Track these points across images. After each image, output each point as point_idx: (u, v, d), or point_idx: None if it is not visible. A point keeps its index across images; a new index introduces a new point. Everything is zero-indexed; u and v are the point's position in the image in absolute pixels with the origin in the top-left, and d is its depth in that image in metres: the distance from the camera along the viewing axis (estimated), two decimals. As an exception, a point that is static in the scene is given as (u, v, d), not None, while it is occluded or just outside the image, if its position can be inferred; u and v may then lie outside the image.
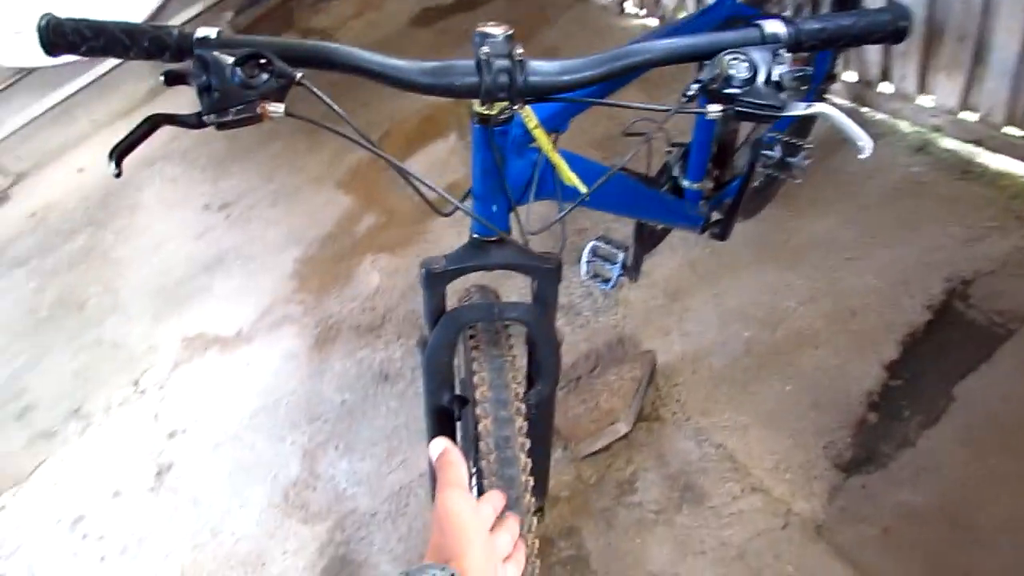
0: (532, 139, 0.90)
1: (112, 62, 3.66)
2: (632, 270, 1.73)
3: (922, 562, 1.45)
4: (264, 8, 3.84)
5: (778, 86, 0.70)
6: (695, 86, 0.71)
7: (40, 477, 2.17)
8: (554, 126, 0.97)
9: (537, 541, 0.97)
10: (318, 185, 2.77)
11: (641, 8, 2.85)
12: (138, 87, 3.75)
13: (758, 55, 0.70)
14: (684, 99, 0.73)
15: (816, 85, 1.80)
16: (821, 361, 1.73)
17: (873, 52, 2.08)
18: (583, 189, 0.97)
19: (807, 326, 1.80)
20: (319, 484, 1.88)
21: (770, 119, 0.71)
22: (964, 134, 2.00)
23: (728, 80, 0.70)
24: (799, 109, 0.71)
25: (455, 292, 1.04)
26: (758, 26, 0.73)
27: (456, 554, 0.61)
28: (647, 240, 1.66)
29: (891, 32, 0.75)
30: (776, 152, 1.43)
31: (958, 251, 1.82)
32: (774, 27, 0.72)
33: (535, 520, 0.99)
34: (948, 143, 2.03)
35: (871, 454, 1.60)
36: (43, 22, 0.69)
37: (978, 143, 1.97)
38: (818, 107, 0.72)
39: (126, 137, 0.71)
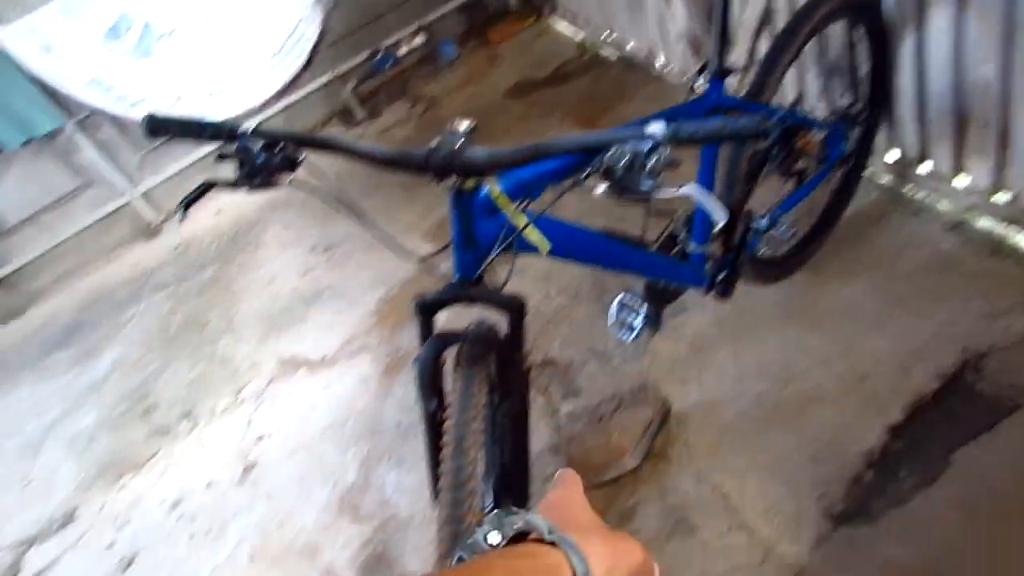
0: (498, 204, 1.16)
1: (253, 123, 4.27)
2: (653, 322, 1.93)
3: (895, 614, 1.53)
4: (383, 78, 4.33)
5: (652, 173, 0.93)
6: (586, 171, 0.95)
7: (153, 465, 2.59)
8: (525, 194, 1.22)
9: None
10: (408, 234, 3.13)
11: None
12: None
13: (636, 150, 0.93)
14: (581, 181, 0.96)
15: (832, 162, 1.95)
16: (826, 419, 1.84)
17: (911, 133, 2.19)
18: (543, 247, 1.21)
19: (817, 385, 1.91)
20: (370, 491, 2.16)
21: (643, 197, 0.93)
22: (998, 214, 2.06)
23: (611, 168, 0.93)
24: (668, 193, 0.93)
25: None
26: (642, 126, 0.96)
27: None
28: (660, 296, 1.86)
29: (755, 134, 0.95)
30: (763, 224, 1.61)
31: (977, 326, 1.89)
32: (654, 128, 0.95)
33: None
34: (982, 223, 2.10)
35: (862, 509, 1.69)
36: (146, 118, 1.04)
37: (1010, 223, 2.03)
38: (685, 189, 0.94)
39: (189, 195, 1.04)
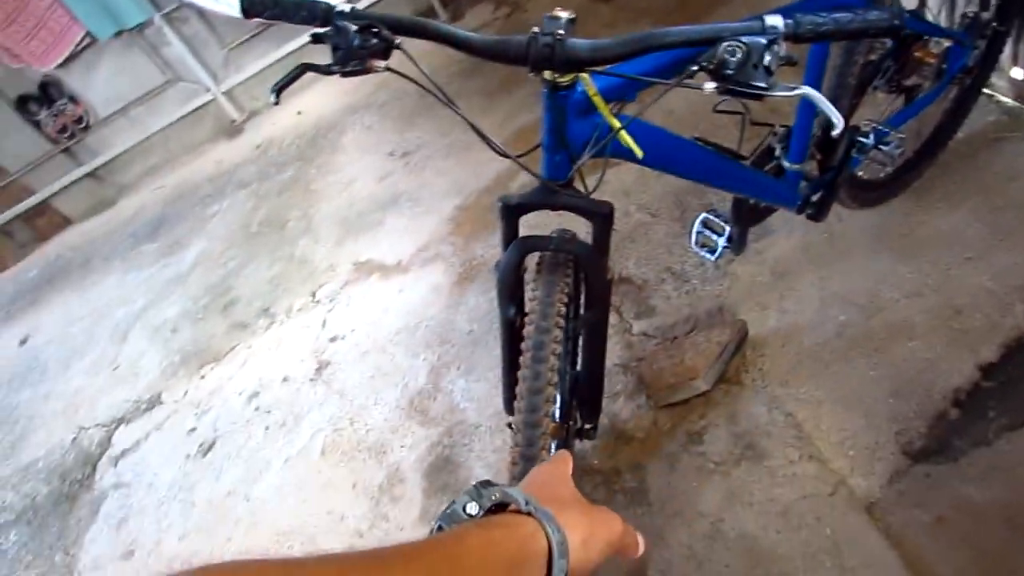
0: (593, 105, 1.10)
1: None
2: (737, 243, 1.86)
3: (969, 554, 1.48)
4: (467, -22, 4.20)
5: (767, 71, 0.86)
6: (695, 67, 0.88)
7: (232, 358, 2.69)
8: (619, 96, 1.16)
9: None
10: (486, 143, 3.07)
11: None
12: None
13: (753, 44, 0.86)
14: (689, 76, 0.90)
15: (951, 77, 1.79)
16: (912, 353, 1.76)
17: (1041, 51, 2.00)
18: (638, 152, 1.15)
19: (906, 318, 1.82)
20: (439, 396, 2.20)
21: (756, 97, 0.86)
22: None
23: (724, 63, 0.86)
24: (784, 91, 0.86)
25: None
26: (760, 19, 0.88)
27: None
28: (747, 216, 1.78)
29: (885, 29, 0.87)
30: (870, 139, 1.50)
31: (1091, 264, 1.76)
32: (773, 20, 0.87)
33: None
34: (1112, 152, 1.93)
35: (943, 447, 1.63)
36: None
37: None
38: (801, 90, 0.86)
39: (284, 78, 1.02)
